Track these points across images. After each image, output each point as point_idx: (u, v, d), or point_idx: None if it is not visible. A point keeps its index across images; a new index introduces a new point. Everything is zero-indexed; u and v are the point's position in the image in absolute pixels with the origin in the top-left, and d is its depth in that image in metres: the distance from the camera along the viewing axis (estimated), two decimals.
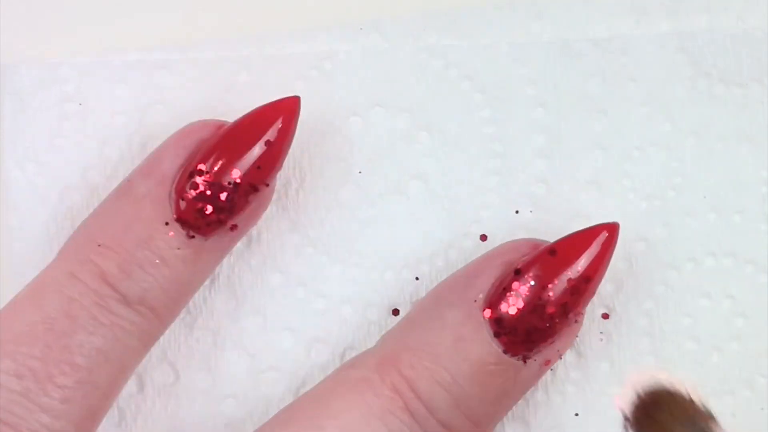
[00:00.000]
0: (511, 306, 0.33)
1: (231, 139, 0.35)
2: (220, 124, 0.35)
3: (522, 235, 0.38)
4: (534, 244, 0.35)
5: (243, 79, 0.38)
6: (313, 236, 0.38)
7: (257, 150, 0.34)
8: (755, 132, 0.38)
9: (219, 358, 0.38)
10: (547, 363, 0.34)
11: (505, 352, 0.33)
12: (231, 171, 0.34)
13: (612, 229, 0.34)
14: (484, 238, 0.38)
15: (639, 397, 0.34)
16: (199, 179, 0.34)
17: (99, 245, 0.34)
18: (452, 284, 0.35)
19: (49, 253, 0.37)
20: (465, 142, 0.38)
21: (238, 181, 0.34)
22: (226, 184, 0.34)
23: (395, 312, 0.38)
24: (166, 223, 0.34)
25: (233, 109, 0.38)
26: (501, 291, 0.34)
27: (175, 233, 0.34)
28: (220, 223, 0.34)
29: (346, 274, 0.38)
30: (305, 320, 0.38)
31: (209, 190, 0.34)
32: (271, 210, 0.38)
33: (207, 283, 0.38)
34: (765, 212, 0.38)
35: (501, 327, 0.33)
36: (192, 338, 0.38)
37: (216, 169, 0.34)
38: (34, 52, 0.39)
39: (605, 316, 0.37)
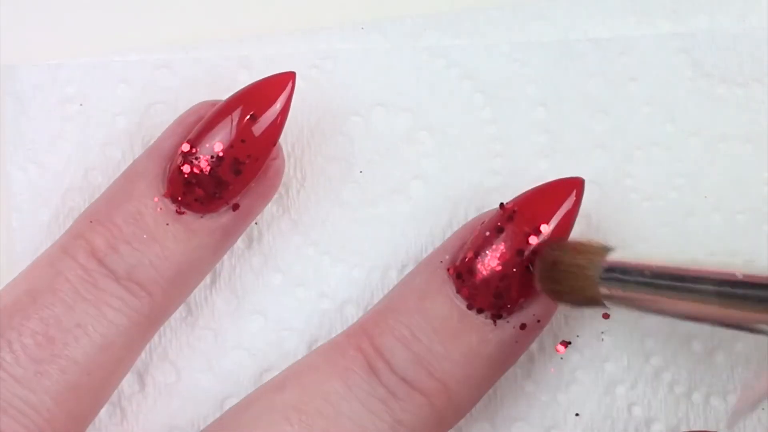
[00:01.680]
0: (471, 259, 0.34)
1: (218, 114, 0.35)
2: (216, 102, 0.36)
3: None
4: (504, 206, 0.35)
5: (243, 78, 0.38)
6: (314, 236, 0.38)
7: (241, 123, 0.34)
8: (757, 132, 0.38)
9: (220, 357, 0.38)
10: (523, 327, 0.34)
11: (468, 307, 0.34)
12: (214, 145, 0.34)
13: (571, 184, 0.35)
14: None
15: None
16: (188, 156, 0.34)
17: (91, 221, 0.34)
18: (426, 257, 0.36)
19: None
20: (466, 141, 0.38)
21: (221, 154, 0.34)
22: (209, 157, 0.34)
23: None
24: (156, 200, 0.34)
25: None
26: (465, 251, 0.34)
27: (164, 209, 0.34)
28: (211, 199, 0.34)
29: (347, 273, 0.38)
30: (306, 320, 0.38)
31: (194, 164, 0.34)
32: (272, 210, 0.38)
33: (208, 282, 0.38)
34: (766, 212, 0.38)
35: (463, 283, 0.34)
36: (193, 338, 0.38)
37: (201, 143, 0.34)
38: (35, 53, 0.39)
39: (605, 315, 0.37)
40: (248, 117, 0.34)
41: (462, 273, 0.34)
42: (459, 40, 0.38)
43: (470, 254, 0.34)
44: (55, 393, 0.32)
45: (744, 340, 0.37)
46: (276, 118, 0.34)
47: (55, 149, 0.38)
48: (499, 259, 0.34)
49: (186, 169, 0.34)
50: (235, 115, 0.34)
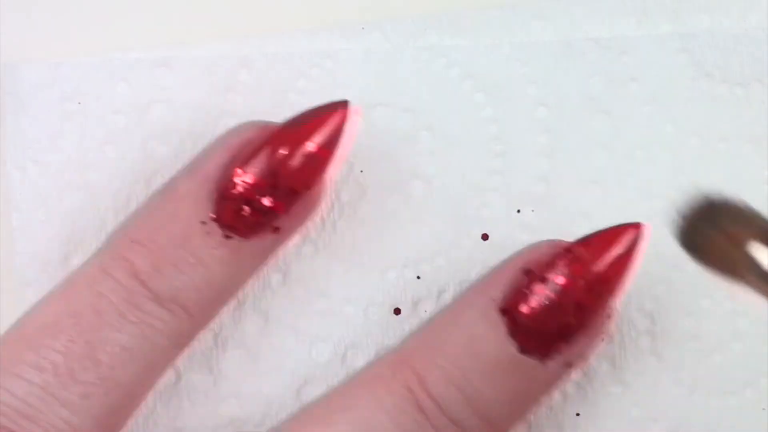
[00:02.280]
0: (527, 304, 0.33)
1: (272, 139, 0.34)
2: (265, 125, 0.35)
3: (524, 234, 0.38)
4: (555, 243, 0.35)
5: (243, 77, 0.38)
6: (314, 236, 0.38)
7: (294, 149, 0.34)
8: (757, 132, 0.38)
9: (220, 358, 0.38)
10: (569, 365, 0.34)
11: (520, 351, 0.33)
12: (269, 173, 0.34)
13: (637, 229, 0.34)
14: (485, 237, 0.38)
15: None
16: (238, 180, 0.34)
17: (133, 242, 0.34)
18: (473, 286, 0.36)
19: (49, 253, 0.38)
20: (466, 141, 0.38)
21: (272, 180, 0.34)
22: (265, 186, 0.34)
23: (397, 311, 0.38)
24: (204, 223, 0.34)
25: (234, 108, 0.38)
26: (517, 290, 0.34)
27: (212, 233, 0.34)
28: (260, 225, 0.34)
29: (347, 273, 0.38)
30: (306, 320, 0.38)
31: (248, 191, 0.34)
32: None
33: None
34: (767, 212, 0.38)
35: (516, 325, 0.33)
36: (193, 338, 0.38)
37: (255, 170, 0.34)
38: (35, 52, 0.39)
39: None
40: (302, 144, 0.34)
41: (518, 320, 0.33)
42: (460, 39, 0.38)
43: (524, 295, 0.34)
44: (98, 415, 0.32)
45: (743, 341, 0.37)
46: (329, 146, 0.34)
47: (55, 148, 0.38)
48: (554, 303, 0.33)
49: (236, 193, 0.34)
50: (289, 140, 0.34)
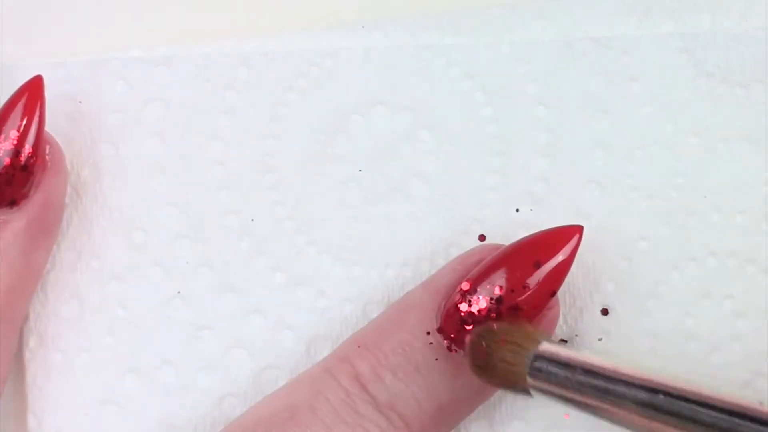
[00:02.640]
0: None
1: (502, 258, 0.34)
2: (497, 246, 0.35)
3: (522, 233, 0.37)
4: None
5: (243, 76, 0.38)
6: (314, 235, 0.38)
7: (523, 270, 0.34)
8: (757, 132, 0.38)
9: (219, 356, 0.38)
10: None
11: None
12: (494, 288, 0.34)
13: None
14: (482, 238, 0.38)
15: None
16: (470, 296, 0.34)
17: (360, 346, 0.34)
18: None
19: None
20: (466, 140, 0.38)
21: (500, 297, 0.34)
22: (489, 299, 0.34)
23: None
24: (428, 333, 0.34)
25: (233, 107, 0.38)
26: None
27: (435, 343, 0.34)
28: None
29: (346, 272, 0.38)
30: (306, 318, 0.38)
31: (472, 304, 0.34)
32: (272, 209, 0.38)
33: (206, 281, 0.38)
34: (766, 212, 0.38)
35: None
36: (192, 337, 0.38)
37: (481, 284, 0.34)
38: (34, 51, 0.39)
39: (605, 311, 0.37)
40: (532, 265, 0.34)
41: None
42: (460, 38, 0.38)
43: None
44: None
45: (741, 341, 0.37)
46: (560, 269, 0.34)
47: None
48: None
49: (463, 307, 0.34)
50: (519, 261, 0.34)
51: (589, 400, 0.30)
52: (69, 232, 0.38)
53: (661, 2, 0.38)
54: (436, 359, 0.34)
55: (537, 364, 0.31)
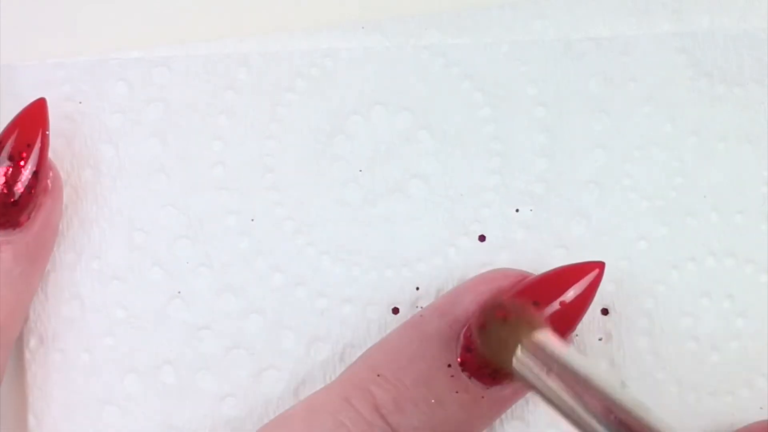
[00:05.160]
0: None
1: (532, 291, 0.34)
2: (522, 276, 0.35)
3: (522, 233, 0.38)
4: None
5: (242, 76, 0.38)
6: (313, 235, 0.38)
7: (538, 308, 0.33)
8: (756, 132, 0.38)
9: (219, 357, 0.38)
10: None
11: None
12: None
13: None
14: (482, 238, 0.38)
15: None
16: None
17: (378, 375, 0.34)
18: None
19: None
20: (465, 141, 0.38)
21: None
22: None
23: (395, 310, 0.38)
24: (449, 365, 0.34)
25: (233, 107, 0.38)
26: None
27: (456, 376, 0.34)
28: (502, 373, 0.33)
29: (346, 272, 0.38)
30: (305, 319, 0.38)
31: None
32: (272, 209, 0.38)
33: (206, 281, 0.38)
34: (765, 212, 0.38)
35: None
36: (192, 337, 0.38)
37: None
38: (34, 52, 0.39)
39: (604, 311, 0.37)
40: (557, 297, 0.33)
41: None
42: (459, 39, 0.38)
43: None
44: None
45: (740, 341, 0.37)
46: (575, 306, 0.34)
47: (54, 147, 0.38)
48: None
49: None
50: (547, 294, 0.34)
51: (553, 398, 0.30)
52: (69, 232, 0.38)
53: (661, 2, 0.38)
54: (456, 392, 0.34)
55: (523, 352, 0.31)
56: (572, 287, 0.34)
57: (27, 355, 0.38)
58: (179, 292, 0.38)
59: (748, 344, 0.37)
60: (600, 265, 0.34)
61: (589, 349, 0.37)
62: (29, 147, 0.35)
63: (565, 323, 0.34)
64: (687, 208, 0.38)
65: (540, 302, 0.33)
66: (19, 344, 0.38)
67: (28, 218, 0.36)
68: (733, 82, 0.38)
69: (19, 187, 0.35)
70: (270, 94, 0.38)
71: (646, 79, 0.38)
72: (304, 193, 0.38)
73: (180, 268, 0.38)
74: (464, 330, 0.34)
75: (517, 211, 0.38)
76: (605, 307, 0.37)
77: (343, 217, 0.38)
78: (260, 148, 0.38)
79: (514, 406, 0.37)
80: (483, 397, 0.34)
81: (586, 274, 0.34)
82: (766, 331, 0.37)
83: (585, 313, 0.34)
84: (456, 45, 0.38)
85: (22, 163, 0.35)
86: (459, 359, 0.34)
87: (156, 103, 0.38)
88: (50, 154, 0.37)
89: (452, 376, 0.34)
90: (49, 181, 0.36)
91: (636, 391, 0.37)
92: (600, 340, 0.37)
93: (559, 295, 0.33)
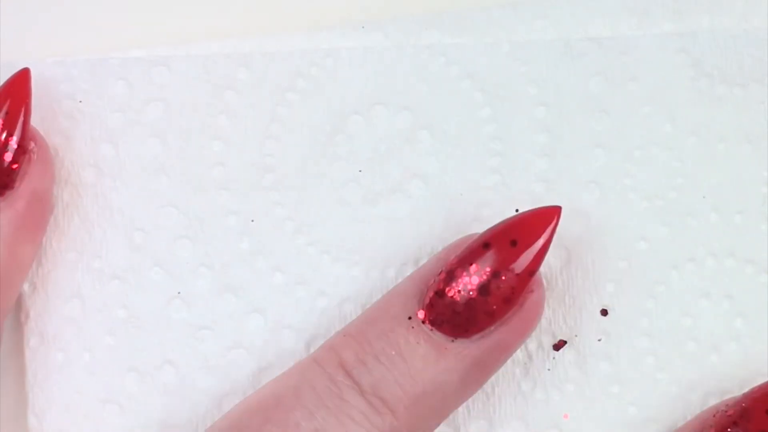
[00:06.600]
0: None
1: (480, 243, 0.34)
2: (472, 234, 0.35)
3: None
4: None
5: (242, 76, 0.38)
6: (313, 235, 0.38)
7: (501, 254, 0.33)
8: (756, 132, 0.38)
9: (219, 356, 0.38)
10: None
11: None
12: (473, 272, 0.34)
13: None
14: None
15: None
16: (447, 280, 0.34)
17: (345, 335, 0.34)
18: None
19: (45, 252, 0.38)
20: (466, 140, 0.38)
21: (478, 282, 0.34)
22: (467, 284, 0.34)
23: None
24: (410, 318, 0.34)
25: (233, 107, 0.38)
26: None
27: (416, 328, 0.34)
28: (462, 323, 0.34)
29: (346, 272, 0.38)
30: (306, 318, 0.38)
31: (451, 289, 0.34)
32: (272, 210, 0.38)
33: (207, 281, 0.38)
34: (765, 212, 0.38)
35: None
36: (192, 337, 0.38)
37: (460, 270, 0.34)
38: (34, 51, 0.39)
39: (604, 312, 0.37)
40: (509, 246, 0.34)
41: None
42: (459, 38, 0.38)
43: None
44: None
45: (740, 341, 0.37)
46: (537, 252, 0.34)
47: (54, 146, 0.38)
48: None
49: (441, 292, 0.34)
50: (497, 245, 0.34)
51: None
52: (70, 232, 0.38)
53: (661, 2, 0.38)
54: (418, 343, 0.34)
55: None
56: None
57: (28, 354, 0.38)
58: (179, 292, 0.38)
59: (748, 345, 0.37)
60: (557, 210, 0.34)
61: (588, 350, 0.37)
62: (8, 115, 0.35)
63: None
64: (687, 209, 0.38)
65: (517, 240, 0.34)
66: (20, 344, 0.38)
67: (10, 188, 0.36)
68: (734, 83, 0.38)
69: None
70: (270, 93, 0.38)
71: (646, 79, 0.38)
72: (304, 193, 0.38)
73: (180, 268, 0.38)
74: (429, 283, 0.34)
75: (517, 210, 0.38)
76: (605, 307, 0.37)
77: (343, 217, 0.38)
78: (260, 148, 0.38)
79: (514, 407, 0.37)
80: (446, 348, 0.34)
81: (548, 221, 0.34)
82: (766, 331, 0.37)
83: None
84: (456, 45, 0.38)
85: None
86: (422, 310, 0.34)
87: (156, 102, 0.38)
88: (51, 153, 0.37)
89: (412, 327, 0.34)
90: (33, 150, 0.36)
91: (636, 391, 0.37)
92: (599, 340, 0.37)
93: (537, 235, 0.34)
